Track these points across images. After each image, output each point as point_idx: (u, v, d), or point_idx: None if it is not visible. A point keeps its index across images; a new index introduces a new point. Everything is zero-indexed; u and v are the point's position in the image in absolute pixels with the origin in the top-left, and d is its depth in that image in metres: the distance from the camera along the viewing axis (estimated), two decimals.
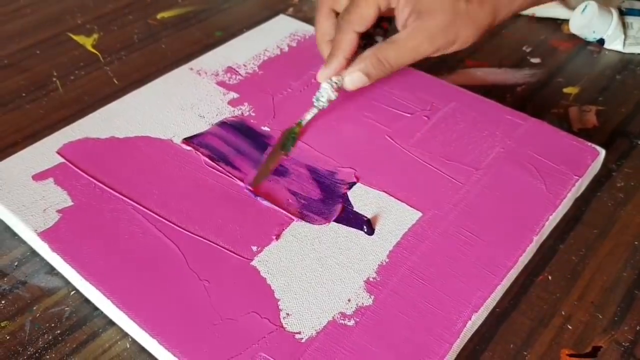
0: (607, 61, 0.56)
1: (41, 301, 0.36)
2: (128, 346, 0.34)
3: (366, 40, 0.44)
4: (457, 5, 0.40)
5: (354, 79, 0.42)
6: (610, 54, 0.57)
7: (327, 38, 0.44)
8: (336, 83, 0.42)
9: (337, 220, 0.38)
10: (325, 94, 0.42)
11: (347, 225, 0.37)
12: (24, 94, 0.52)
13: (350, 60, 0.42)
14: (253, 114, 0.46)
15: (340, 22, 0.42)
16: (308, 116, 0.43)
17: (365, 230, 0.37)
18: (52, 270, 0.38)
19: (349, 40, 0.42)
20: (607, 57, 0.57)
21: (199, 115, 0.45)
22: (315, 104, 0.43)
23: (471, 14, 0.40)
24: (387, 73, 0.42)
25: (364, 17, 0.41)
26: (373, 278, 0.35)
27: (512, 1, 0.42)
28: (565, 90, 0.52)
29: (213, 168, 0.41)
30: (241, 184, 0.40)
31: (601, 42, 0.57)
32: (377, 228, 0.37)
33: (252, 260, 0.35)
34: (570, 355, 0.34)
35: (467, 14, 0.40)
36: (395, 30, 0.42)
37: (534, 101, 0.51)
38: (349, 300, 0.34)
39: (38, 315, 0.36)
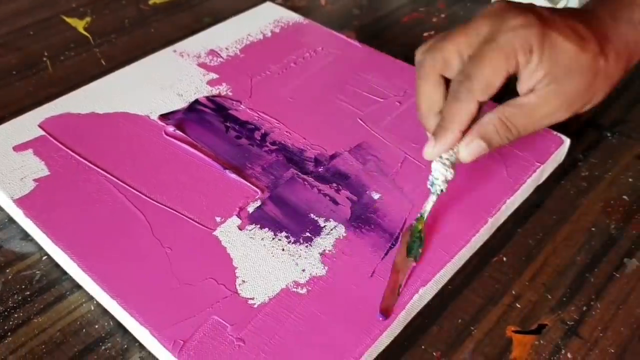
0: None
1: (14, 265, 0.38)
2: (92, 308, 0.36)
3: None
4: (597, 65, 0.35)
5: (472, 148, 0.35)
6: None
7: (436, 109, 0.36)
8: (448, 159, 0.36)
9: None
10: (440, 175, 0.36)
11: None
12: (14, 72, 0.54)
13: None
14: (230, 94, 0.47)
15: (458, 89, 0.34)
16: (428, 207, 0.37)
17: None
18: (26, 237, 0.40)
19: (468, 112, 0.34)
20: None
21: (178, 93, 0.47)
22: (431, 189, 0.36)
23: (610, 70, 0.36)
24: (512, 140, 0.36)
25: (490, 86, 0.34)
26: (329, 251, 0.36)
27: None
28: None
29: (176, 139, 0.42)
30: (211, 161, 0.41)
31: None
32: (340, 201, 0.39)
33: (214, 230, 0.37)
34: (516, 332, 0.35)
35: (606, 72, 0.36)
36: (511, 93, 0.36)
37: (509, 92, 0.52)
38: (303, 270, 0.35)
39: (10, 277, 0.37)
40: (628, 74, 0.39)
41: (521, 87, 0.36)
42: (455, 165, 0.36)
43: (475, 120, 0.35)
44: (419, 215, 0.37)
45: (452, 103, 0.35)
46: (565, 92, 0.35)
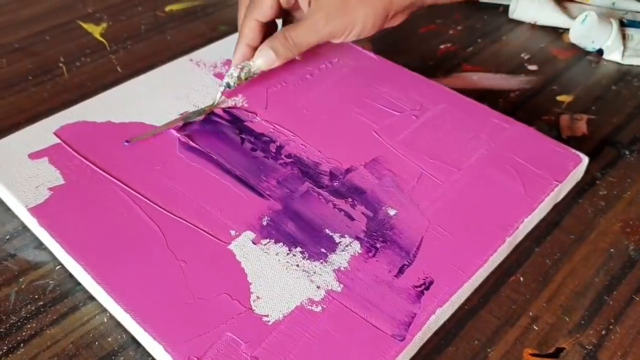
0: (605, 71, 0.56)
1: (28, 274, 0.38)
2: (105, 320, 0.36)
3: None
4: None
5: (263, 55, 0.45)
6: (608, 64, 0.57)
7: None
8: (241, 67, 0.46)
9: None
10: (228, 77, 0.46)
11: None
12: (30, 77, 0.54)
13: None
14: (246, 105, 0.47)
15: (245, 13, 0.46)
16: (217, 97, 0.46)
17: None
18: (40, 245, 0.39)
19: (250, 28, 0.45)
20: (605, 67, 0.57)
21: (194, 104, 0.47)
22: (222, 83, 0.46)
23: None
24: (293, 51, 0.45)
25: (263, 7, 0.45)
26: (344, 268, 0.36)
27: None
28: (559, 98, 0.53)
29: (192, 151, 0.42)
30: (225, 174, 0.41)
31: (600, 52, 0.57)
32: (355, 217, 0.38)
33: (229, 244, 0.37)
34: (533, 355, 0.34)
35: None
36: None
37: (525, 107, 0.52)
38: (318, 287, 0.35)
39: (24, 287, 0.37)
40: (402, 8, 0.45)
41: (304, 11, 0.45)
42: (250, 72, 0.46)
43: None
44: (212, 102, 0.46)
45: (242, 24, 0.46)
46: (323, 7, 0.43)
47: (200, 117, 0.45)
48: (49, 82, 0.53)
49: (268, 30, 0.46)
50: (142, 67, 0.54)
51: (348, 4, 0.43)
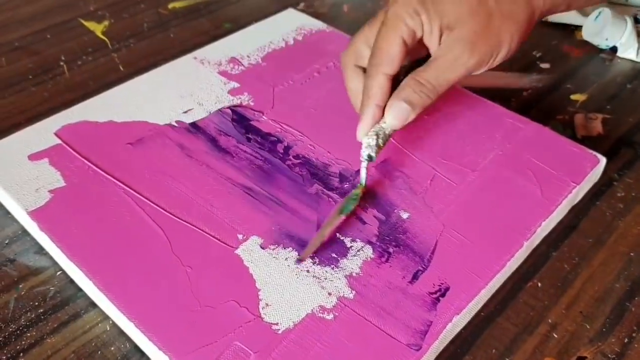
0: (619, 69, 0.55)
1: (27, 280, 0.37)
2: (108, 329, 0.34)
3: None
4: (486, 6, 0.37)
5: (396, 111, 0.37)
6: (622, 62, 0.56)
7: (360, 96, 0.39)
8: (374, 132, 0.38)
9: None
10: (367, 148, 0.38)
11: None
12: (30, 77, 0.52)
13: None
14: (252, 104, 0.45)
15: (367, 69, 0.38)
16: (362, 174, 0.38)
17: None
18: (40, 250, 0.38)
19: (378, 85, 0.38)
20: (620, 65, 0.55)
21: (198, 102, 0.45)
22: (362, 157, 0.38)
23: (505, 10, 0.37)
24: (431, 97, 0.37)
25: (390, 56, 0.37)
26: (356, 273, 0.34)
27: None
28: (573, 96, 0.51)
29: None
30: (228, 175, 0.40)
31: (614, 49, 0.56)
32: (367, 220, 0.37)
33: (236, 248, 0.35)
34: None
35: (501, 11, 0.37)
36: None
37: (539, 106, 0.50)
38: (329, 294, 0.33)
39: (23, 293, 0.36)
40: (541, 15, 0.40)
41: (432, 51, 0.39)
42: (386, 135, 0.38)
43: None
44: (359, 184, 0.38)
45: (365, 82, 0.38)
46: (463, 37, 0.37)
47: (355, 205, 0.37)
48: (50, 81, 0.52)
49: (391, 88, 0.38)
50: (145, 66, 0.53)
51: (491, 25, 0.37)
